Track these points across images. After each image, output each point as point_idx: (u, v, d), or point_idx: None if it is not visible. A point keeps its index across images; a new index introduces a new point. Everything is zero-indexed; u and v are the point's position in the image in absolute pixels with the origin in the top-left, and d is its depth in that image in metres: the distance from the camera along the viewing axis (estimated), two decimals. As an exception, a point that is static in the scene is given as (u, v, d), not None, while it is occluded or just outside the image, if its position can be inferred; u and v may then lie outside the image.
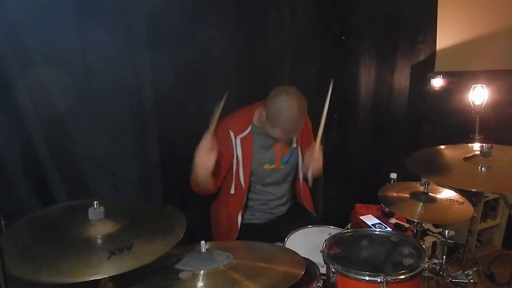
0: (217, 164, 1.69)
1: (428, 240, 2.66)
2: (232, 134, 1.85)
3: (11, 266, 0.97)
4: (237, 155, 1.86)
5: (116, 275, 1.12)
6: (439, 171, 1.60)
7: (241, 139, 1.86)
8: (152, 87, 1.94)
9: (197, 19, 2.03)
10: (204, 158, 1.60)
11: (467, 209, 1.69)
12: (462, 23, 2.91)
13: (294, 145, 1.99)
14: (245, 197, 1.94)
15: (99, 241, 1.12)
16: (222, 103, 1.62)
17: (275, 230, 1.92)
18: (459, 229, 2.56)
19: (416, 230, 1.83)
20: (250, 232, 1.95)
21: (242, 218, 1.97)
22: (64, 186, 1.80)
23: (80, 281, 0.98)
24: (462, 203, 1.72)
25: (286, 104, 1.70)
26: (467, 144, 1.78)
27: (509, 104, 2.73)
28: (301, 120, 1.75)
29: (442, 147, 1.77)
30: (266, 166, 1.93)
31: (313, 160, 1.83)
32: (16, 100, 1.65)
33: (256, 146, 1.89)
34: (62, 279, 0.98)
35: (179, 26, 1.98)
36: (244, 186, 1.89)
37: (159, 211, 1.43)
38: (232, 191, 1.90)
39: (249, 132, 1.87)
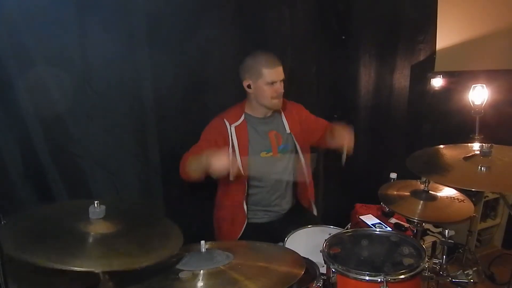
0: None
1: (428, 240, 2.66)
2: (227, 122, 1.90)
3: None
4: (232, 143, 1.89)
5: (116, 275, 1.13)
6: (439, 171, 1.60)
7: (236, 127, 1.91)
8: (152, 87, 1.95)
9: (197, 19, 2.03)
10: (223, 164, 1.64)
11: (468, 207, 1.70)
12: (462, 23, 2.92)
13: (288, 130, 2.00)
14: (247, 184, 1.95)
15: (91, 239, 1.13)
16: None
17: (278, 230, 1.92)
18: (459, 229, 2.55)
19: (416, 230, 1.83)
20: (253, 232, 1.95)
21: (247, 207, 1.97)
22: (64, 186, 1.80)
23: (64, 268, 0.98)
24: (462, 201, 1.72)
25: (260, 52, 1.89)
26: (467, 144, 1.78)
27: (509, 104, 2.73)
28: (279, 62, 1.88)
29: (442, 147, 1.77)
30: (263, 155, 1.96)
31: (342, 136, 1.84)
32: (16, 100, 1.65)
33: (251, 133, 1.93)
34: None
35: (179, 26, 1.98)
36: (243, 173, 1.90)
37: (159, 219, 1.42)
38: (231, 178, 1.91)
39: (243, 120, 1.93)
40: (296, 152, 2.05)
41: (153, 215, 1.45)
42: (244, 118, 1.94)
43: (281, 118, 2.02)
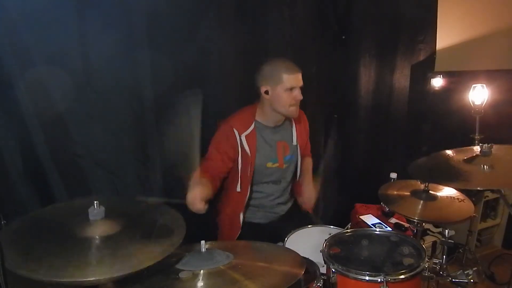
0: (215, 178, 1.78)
1: (428, 240, 2.66)
2: (236, 132, 1.86)
3: (10, 262, 0.96)
4: (242, 153, 1.87)
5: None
6: (444, 176, 1.59)
7: (246, 136, 1.87)
8: (152, 87, 1.94)
9: (198, 19, 2.03)
10: (198, 207, 1.57)
11: (468, 206, 1.70)
12: (462, 23, 2.92)
13: (295, 142, 2.00)
14: (248, 194, 1.94)
15: (97, 242, 1.12)
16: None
17: (277, 230, 1.91)
18: (459, 229, 2.56)
19: (416, 230, 1.83)
20: (252, 232, 1.95)
21: (244, 216, 1.97)
22: (64, 186, 1.80)
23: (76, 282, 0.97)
24: (462, 200, 1.72)
25: (279, 58, 1.88)
26: (466, 147, 1.77)
27: (509, 103, 2.73)
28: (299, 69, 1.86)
29: (447, 151, 1.75)
30: (269, 165, 1.94)
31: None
32: (16, 100, 1.65)
33: (259, 143, 1.91)
34: (59, 278, 0.97)
35: (179, 26, 1.98)
36: (248, 184, 1.90)
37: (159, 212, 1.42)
38: (238, 189, 1.91)
39: (253, 129, 1.89)
40: (297, 161, 2.05)
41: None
42: (254, 126, 1.90)
43: (292, 128, 2.01)
